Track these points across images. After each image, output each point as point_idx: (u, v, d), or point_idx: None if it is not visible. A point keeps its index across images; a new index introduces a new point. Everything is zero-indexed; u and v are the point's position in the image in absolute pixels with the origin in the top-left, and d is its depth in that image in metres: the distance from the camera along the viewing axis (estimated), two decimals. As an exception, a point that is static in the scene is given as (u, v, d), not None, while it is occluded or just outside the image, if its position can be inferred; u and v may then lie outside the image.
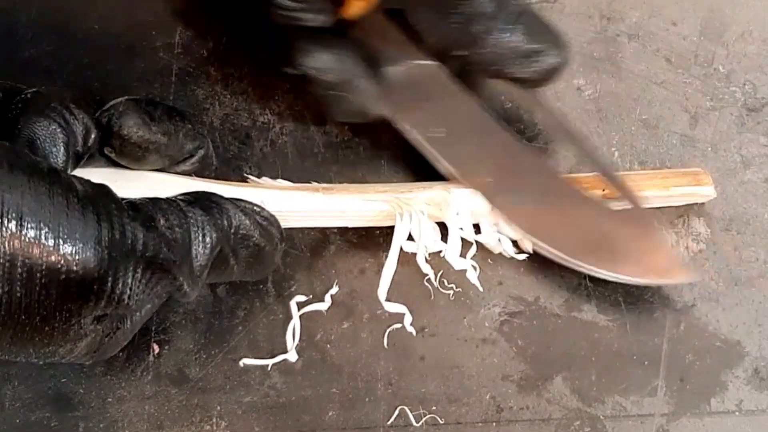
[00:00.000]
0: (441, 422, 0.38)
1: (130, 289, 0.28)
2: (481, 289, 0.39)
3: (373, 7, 0.38)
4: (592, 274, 0.39)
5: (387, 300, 0.38)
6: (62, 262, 0.26)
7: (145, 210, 0.30)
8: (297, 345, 0.39)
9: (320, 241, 0.41)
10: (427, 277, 0.40)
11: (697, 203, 0.42)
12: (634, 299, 0.40)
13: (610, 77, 0.45)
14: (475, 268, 0.39)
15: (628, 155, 0.43)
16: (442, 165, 0.39)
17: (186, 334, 0.39)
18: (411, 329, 0.39)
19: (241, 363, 0.39)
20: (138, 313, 0.32)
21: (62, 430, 0.37)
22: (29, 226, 0.26)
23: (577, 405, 0.39)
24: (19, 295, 0.26)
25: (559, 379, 0.39)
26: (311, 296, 0.40)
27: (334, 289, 0.40)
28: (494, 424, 0.38)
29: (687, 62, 0.46)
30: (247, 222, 0.33)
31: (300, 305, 0.40)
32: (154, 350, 0.39)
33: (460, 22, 0.36)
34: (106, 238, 0.27)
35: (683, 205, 0.42)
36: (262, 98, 0.43)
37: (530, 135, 0.43)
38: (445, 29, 0.36)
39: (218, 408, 0.38)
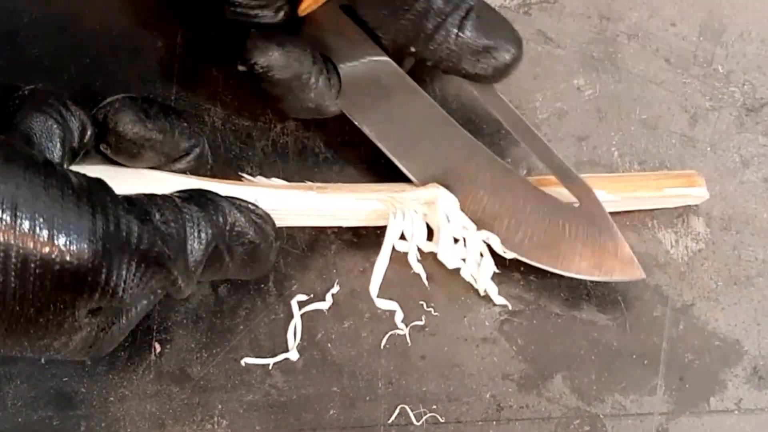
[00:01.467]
0: (441, 421, 0.38)
1: (124, 282, 0.28)
2: (476, 285, 0.40)
3: (326, 3, 0.38)
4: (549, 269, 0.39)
5: (379, 297, 0.38)
6: (56, 253, 0.26)
7: (140, 204, 0.30)
8: (298, 344, 0.39)
9: (321, 241, 0.41)
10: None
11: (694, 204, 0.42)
12: (633, 298, 0.40)
13: (609, 77, 0.45)
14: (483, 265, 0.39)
15: (628, 155, 0.43)
16: (395, 161, 0.39)
17: (187, 333, 0.39)
18: (402, 326, 0.39)
19: (242, 362, 0.39)
20: (133, 309, 0.32)
21: (64, 428, 0.37)
22: (24, 217, 0.26)
23: (577, 404, 0.39)
24: (13, 286, 0.26)
25: (559, 377, 0.39)
26: (312, 295, 0.40)
27: (335, 289, 0.40)
28: (494, 422, 0.39)
29: (686, 62, 0.46)
30: (242, 219, 0.33)
31: (301, 304, 0.40)
32: (155, 349, 0.39)
33: (412, 18, 0.36)
34: (101, 230, 0.27)
35: (682, 206, 0.42)
36: (263, 98, 0.43)
37: (487, 131, 0.42)
38: (397, 26, 0.36)
39: (219, 407, 0.38)
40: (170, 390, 0.38)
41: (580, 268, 0.39)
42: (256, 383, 0.39)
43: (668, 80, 0.45)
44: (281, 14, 0.38)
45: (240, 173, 0.41)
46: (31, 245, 0.26)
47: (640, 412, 0.39)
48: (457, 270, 0.40)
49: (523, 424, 0.39)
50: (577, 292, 0.40)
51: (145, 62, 0.43)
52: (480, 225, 0.39)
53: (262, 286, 0.40)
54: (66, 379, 0.38)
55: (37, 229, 0.26)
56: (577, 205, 0.39)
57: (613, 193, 0.41)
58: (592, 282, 0.40)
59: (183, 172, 0.36)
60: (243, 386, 0.39)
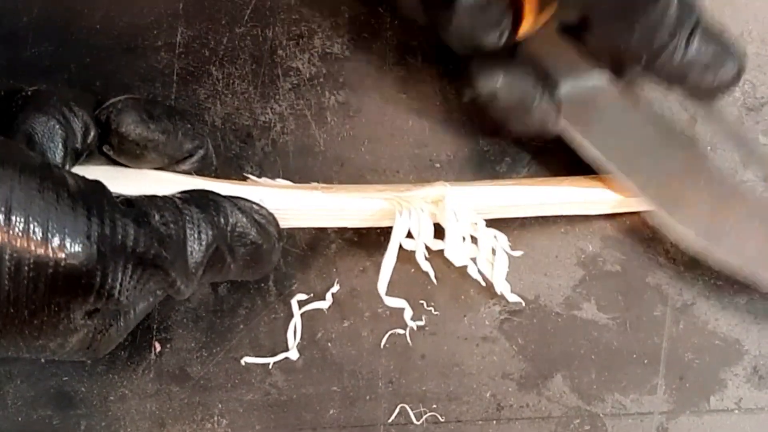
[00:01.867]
0: (441, 420, 0.38)
1: (120, 284, 0.28)
2: (483, 284, 0.39)
3: (545, 25, 0.39)
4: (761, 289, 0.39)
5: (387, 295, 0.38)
6: (50, 255, 0.26)
7: (139, 205, 0.30)
8: (298, 343, 0.39)
9: (321, 240, 0.41)
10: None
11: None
12: (634, 298, 0.40)
13: (609, 77, 0.45)
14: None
15: (628, 154, 0.43)
16: (621, 180, 0.39)
17: (187, 333, 0.39)
18: (412, 324, 0.39)
19: (242, 361, 0.39)
20: (132, 312, 0.32)
21: (64, 428, 0.37)
22: (18, 219, 0.26)
23: (577, 403, 0.39)
24: (7, 288, 0.26)
25: (559, 377, 0.39)
26: (312, 295, 0.40)
27: (335, 288, 0.40)
28: (494, 422, 0.39)
29: (686, 62, 0.46)
30: (245, 220, 0.33)
31: (301, 304, 0.40)
32: (155, 348, 0.39)
33: (641, 34, 0.36)
34: (96, 233, 0.27)
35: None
36: (263, 97, 0.43)
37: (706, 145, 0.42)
38: (629, 39, 0.36)
39: (219, 406, 0.38)
40: (170, 389, 0.38)
41: None
42: (256, 382, 0.39)
43: (668, 80, 0.45)
44: (504, 37, 0.38)
45: (245, 174, 0.41)
46: (25, 247, 0.26)
47: (641, 411, 0.39)
48: (458, 269, 0.40)
49: (523, 423, 0.39)
50: (577, 291, 0.41)
51: (145, 62, 0.43)
52: (706, 235, 0.39)
53: (262, 285, 0.40)
54: (66, 378, 0.38)
55: (31, 231, 0.26)
56: None
57: (618, 193, 0.41)
58: (592, 281, 0.40)
59: (187, 173, 0.36)
60: (243, 385, 0.39)
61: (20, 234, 0.26)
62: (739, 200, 0.39)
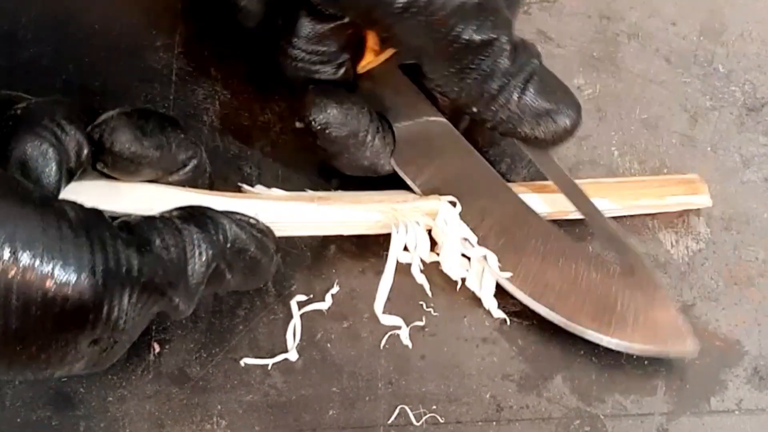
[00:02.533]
0: (441, 421, 0.38)
1: (126, 314, 0.29)
2: (480, 295, 0.39)
3: (386, 61, 0.38)
4: (595, 341, 0.38)
5: (384, 312, 0.39)
6: (57, 292, 0.26)
7: (139, 232, 0.30)
8: (297, 344, 0.39)
9: (321, 241, 0.41)
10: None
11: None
12: (633, 298, 0.40)
13: (609, 77, 0.45)
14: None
15: (628, 155, 0.43)
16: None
17: (186, 334, 0.39)
18: (408, 342, 0.39)
19: (241, 362, 0.39)
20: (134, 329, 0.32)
21: (63, 429, 0.37)
22: (23, 257, 0.26)
23: (577, 404, 0.39)
24: (14, 327, 0.26)
25: (559, 378, 0.39)
26: (312, 296, 0.40)
27: (335, 289, 0.40)
28: (494, 423, 0.38)
29: (686, 62, 0.46)
30: (243, 236, 0.33)
31: (300, 305, 0.40)
32: (154, 349, 0.39)
33: (477, 78, 0.35)
34: (101, 267, 0.27)
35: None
36: (262, 97, 0.43)
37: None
38: (461, 85, 0.36)
39: (219, 407, 0.38)
40: (169, 390, 0.38)
41: (633, 338, 0.38)
42: (256, 383, 0.39)
43: (668, 80, 0.45)
44: (342, 71, 0.38)
45: (239, 184, 0.41)
46: (32, 285, 0.26)
47: (641, 412, 0.39)
48: (457, 270, 0.40)
49: (523, 424, 0.39)
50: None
51: (144, 62, 0.43)
52: (532, 290, 0.38)
53: (262, 286, 0.40)
54: (65, 379, 0.38)
55: (37, 269, 0.26)
56: (629, 274, 0.39)
57: (616, 202, 0.41)
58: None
59: (181, 183, 0.36)
60: (242, 386, 0.38)
61: (26, 272, 0.26)
62: (568, 254, 0.39)
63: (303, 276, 0.40)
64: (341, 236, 0.40)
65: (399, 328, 0.39)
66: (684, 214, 0.42)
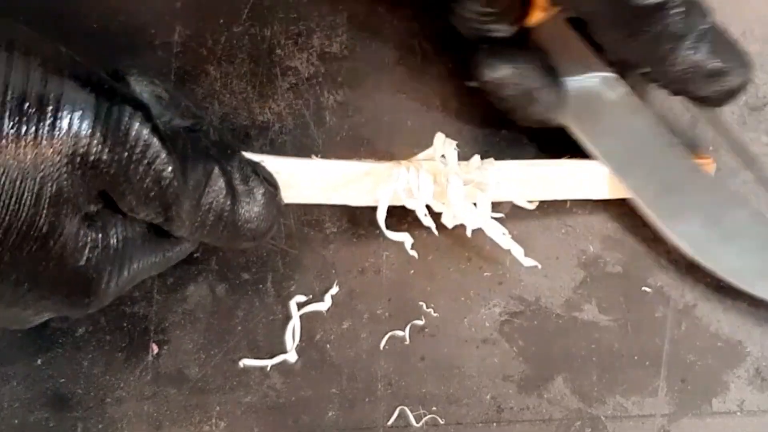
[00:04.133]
0: (441, 422, 0.38)
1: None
2: (499, 242, 0.39)
3: (554, 16, 0.38)
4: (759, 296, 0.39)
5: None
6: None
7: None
8: (296, 345, 0.39)
9: (320, 241, 0.40)
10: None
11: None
12: (635, 299, 0.40)
13: (610, 76, 0.45)
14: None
15: (629, 154, 0.43)
16: (618, 177, 0.39)
17: (185, 335, 0.39)
18: (413, 253, 0.39)
19: (240, 363, 0.39)
20: (135, 263, 0.31)
21: (61, 430, 0.37)
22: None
23: (578, 405, 0.39)
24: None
25: (560, 379, 0.39)
26: (311, 296, 0.40)
27: (334, 289, 0.40)
28: (495, 424, 0.38)
29: (688, 61, 0.45)
30: (250, 171, 0.33)
31: (299, 305, 0.39)
32: (153, 350, 0.39)
33: (648, 40, 0.35)
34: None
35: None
36: (261, 97, 0.43)
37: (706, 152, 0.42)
38: (632, 46, 0.36)
39: (217, 408, 0.38)
40: (168, 391, 0.38)
41: None
42: (255, 385, 0.38)
43: (670, 79, 0.45)
44: (513, 29, 0.38)
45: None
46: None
47: (642, 413, 0.39)
48: (458, 270, 0.40)
49: (524, 425, 0.38)
50: (577, 292, 0.40)
51: (142, 61, 0.43)
52: (696, 249, 0.39)
53: (260, 286, 0.40)
54: (62, 380, 0.38)
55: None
56: None
57: None
58: (592, 282, 0.40)
59: None
60: (241, 388, 0.38)
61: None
62: (734, 210, 0.39)
63: (302, 276, 0.40)
64: (341, 236, 0.40)
65: (402, 320, 0.39)
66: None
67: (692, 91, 0.37)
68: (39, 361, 0.38)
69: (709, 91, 0.37)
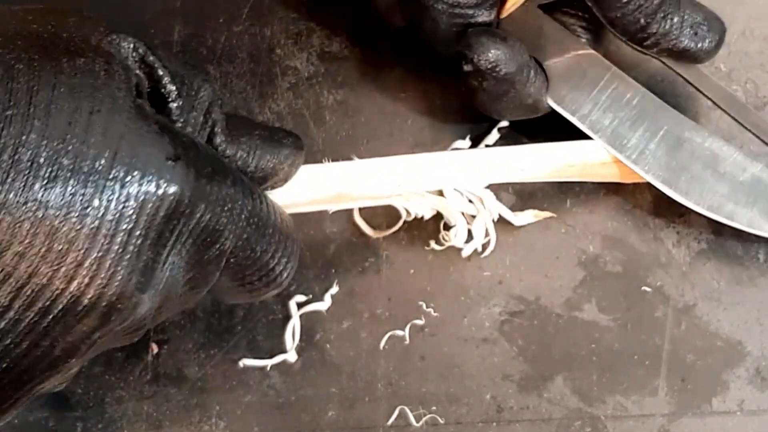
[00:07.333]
0: (441, 422, 0.38)
1: None
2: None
3: (526, 2, 0.39)
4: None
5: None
6: None
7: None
8: (296, 345, 0.39)
9: (320, 241, 0.40)
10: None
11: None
12: (635, 299, 0.40)
13: (610, 76, 0.45)
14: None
15: (629, 154, 0.43)
16: (614, 153, 0.40)
17: (185, 334, 0.39)
18: (417, 212, 0.38)
19: (240, 363, 0.39)
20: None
21: (60, 430, 0.37)
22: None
23: (578, 405, 0.39)
24: None
25: (560, 378, 0.39)
26: (311, 296, 0.40)
27: (334, 289, 0.40)
28: (494, 424, 0.38)
29: (688, 61, 0.45)
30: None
31: (299, 305, 0.39)
32: (152, 350, 0.39)
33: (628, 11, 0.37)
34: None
35: (685, 205, 0.42)
36: (261, 96, 0.43)
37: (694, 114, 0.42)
38: (626, 13, 0.38)
39: (217, 408, 0.38)
40: (167, 391, 0.38)
41: None
42: (255, 384, 0.38)
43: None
44: (494, 12, 0.38)
45: None
46: None
47: (642, 413, 0.39)
48: (458, 270, 0.40)
49: (524, 425, 0.38)
50: (577, 292, 0.40)
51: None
52: (706, 204, 0.39)
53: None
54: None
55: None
56: None
57: None
58: (592, 282, 0.40)
59: None
60: (241, 387, 0.38)
61: None
62: (729, 165, 0.40)
63: (302, 276, 0.40)
64: (341, 236, 0.40)
65: (402, 320, 0.39)
66: (686, 213, 0.42)
67: (680, 46, 0.38)
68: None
69: (699, 42, 0.39)
